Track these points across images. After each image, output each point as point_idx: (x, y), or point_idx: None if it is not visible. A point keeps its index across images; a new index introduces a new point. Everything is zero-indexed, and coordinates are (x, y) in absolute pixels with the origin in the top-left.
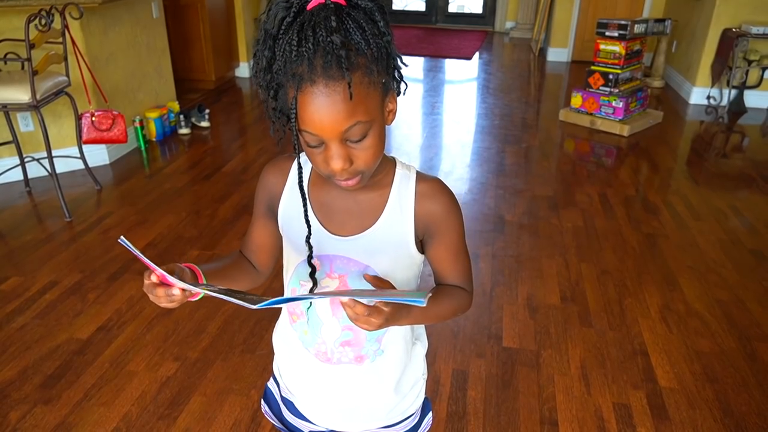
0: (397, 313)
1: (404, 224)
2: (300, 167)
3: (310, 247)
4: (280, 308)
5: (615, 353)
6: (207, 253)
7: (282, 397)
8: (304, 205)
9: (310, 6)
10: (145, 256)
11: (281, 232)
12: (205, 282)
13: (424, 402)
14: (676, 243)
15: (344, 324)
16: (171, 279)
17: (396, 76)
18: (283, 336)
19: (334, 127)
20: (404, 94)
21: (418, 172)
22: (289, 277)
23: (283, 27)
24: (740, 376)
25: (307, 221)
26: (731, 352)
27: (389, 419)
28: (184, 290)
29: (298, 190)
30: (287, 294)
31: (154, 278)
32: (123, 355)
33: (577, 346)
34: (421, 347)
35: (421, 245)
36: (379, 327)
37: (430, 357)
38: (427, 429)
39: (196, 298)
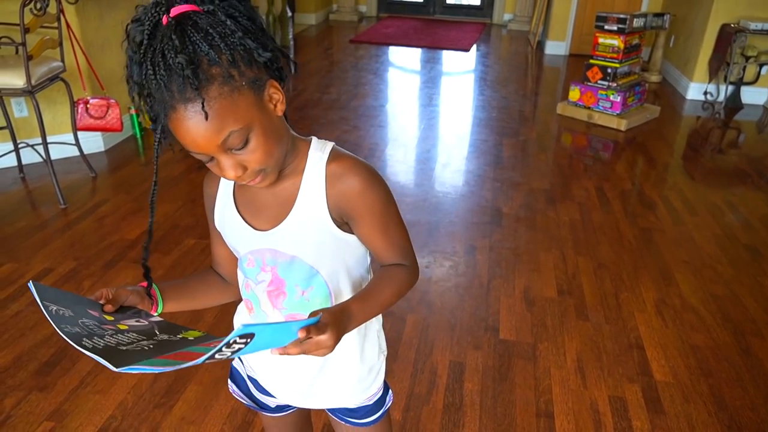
0: (339, 323)
1: (318, 209)
2: (157, 159)
3: (146, 249)
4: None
5: (611, 347)
6: (203, 242)
7: (248, 375)
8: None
9: (165, 21)
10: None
11: (221, 232)
12: (160, 303)
13: (384, 381)
14: (672, 238)
15: (286, 314)
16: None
17: (272, 63)
18: (242, 320)
19: (207, 144)
20: (295, 72)
21: (332, 151)
22: (240, 277)
23: (141, 52)
24: (735, 370)
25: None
26: (726, 346)
27: (353, 399)
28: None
29: (225, 193)
30: (242, 289)
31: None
32: None
33: (574, 339)
34: (375, 321)
35: (348, 226)
36: (334, 344)
37: (427, 348)
38: (390, 403)
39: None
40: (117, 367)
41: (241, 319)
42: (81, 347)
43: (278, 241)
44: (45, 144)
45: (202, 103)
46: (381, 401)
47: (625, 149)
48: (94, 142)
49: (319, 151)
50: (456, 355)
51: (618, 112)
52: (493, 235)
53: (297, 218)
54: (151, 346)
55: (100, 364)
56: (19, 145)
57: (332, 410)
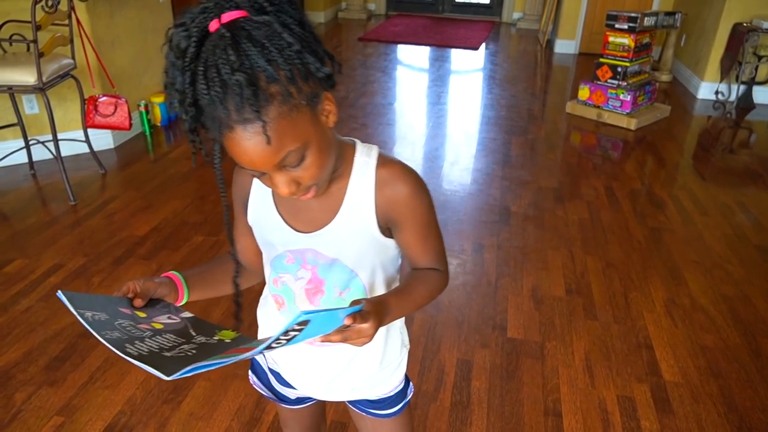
0: (379, 313)
1: (365, 215)
2: (221, 179)
3: (237, 286)
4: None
5: (620, 346)
6: (211, 238)
7: (269, 368)
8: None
9: (212, 27)
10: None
11: (253, 227)
12: (186, 293)
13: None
14: (682, 237)
15: None
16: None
17: (321, 76)
18: (269, 315)
19: (264, 163)
20: (339, 71)
21: (380, 156)
22: (269, 272)
23: (187, 61)
24: (745, 371)
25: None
26: (736, 347)
27: (374, 391)
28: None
29: (260, 189)
30: (269, 283)
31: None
32: None
33: (582, 338)
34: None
35: (389, 232)
36: (374, 333)
37: (434, 346)
38: (411, 395)
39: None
40: (168, 376)
41: (266, 313)
42: (126, 354)
43: (320, 243)
44: (55, 141)
45: (264, 127)
46: (402, 393)
47: (634, 148)
48: (103, 139)
49: (365, 156)
50: (463, 353)
51: (628, 111)
52: (501, 233)
53: (342, 223)
54: (194, 351)
55: (110, 364)
56: (30, 142)
57: (353, 402)
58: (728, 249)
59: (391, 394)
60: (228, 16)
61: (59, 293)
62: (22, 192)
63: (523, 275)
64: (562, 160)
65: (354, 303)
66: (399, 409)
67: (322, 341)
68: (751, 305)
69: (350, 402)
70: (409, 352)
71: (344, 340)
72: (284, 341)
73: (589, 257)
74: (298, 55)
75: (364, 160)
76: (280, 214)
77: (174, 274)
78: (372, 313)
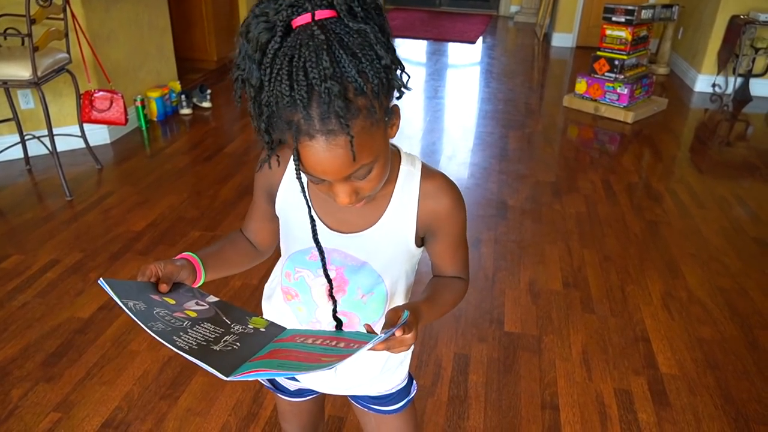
0: (418, 323)
1: (406, 223)
2: (299, 174)
3: (324, 262)
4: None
5: (617, 339)
6: (208, 234)
7: None
8: (312, 226)
9: (295, 23)
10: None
11: (279, 218)
12: (203, 274)
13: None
14: (679, 230)
15: (340, 309)
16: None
17: (403, 93)
18: (276, 306)
19: (336, 174)
20: (409, 79)
21: (423, 167)
22: (284, 262)
23: (269, 55)
24: (741, 363)
25: (318, 245)
26: (733, 339)
27: (376, 387)
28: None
29: (293, 182)
30: (280, 275)
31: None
32: (125, 334)
33: (579, 331)
34: None
35: (421, 241)
36: (413, 342)
37: (432, 341)
38: (415, 392)
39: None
40: (227, 376)
41: (272, 305)
42: (177, 348)
43: (353, 245)
44: (51, 136)
45: (351, 141)
46: (405, 390)
47: (631, 142)
48: (99, 134)
49: (410, 166)
50: (461, 347)
51: (625, 104)
52: (499, 227)
53: (383, 228)
54: (238, 345)
55: (106, 360)
56: (26, 137)
57: (355, 398)
58: (725, 242)
59: (394, 390)
60: (321, 14)
61: (101, 281)
62: (17, 187)
63: (521, 269)
64: (559, 154)
65: (393, 312)
66: (402, 405)
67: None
68: (747, 298)
69: (353, 398)
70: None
71: (388, 349)
72: (338, 359)
73: (586, 251)
74: (386, 71)
75: (409, 170)
76: (316, 211)
77: (191, 256)
78: (413, 323)
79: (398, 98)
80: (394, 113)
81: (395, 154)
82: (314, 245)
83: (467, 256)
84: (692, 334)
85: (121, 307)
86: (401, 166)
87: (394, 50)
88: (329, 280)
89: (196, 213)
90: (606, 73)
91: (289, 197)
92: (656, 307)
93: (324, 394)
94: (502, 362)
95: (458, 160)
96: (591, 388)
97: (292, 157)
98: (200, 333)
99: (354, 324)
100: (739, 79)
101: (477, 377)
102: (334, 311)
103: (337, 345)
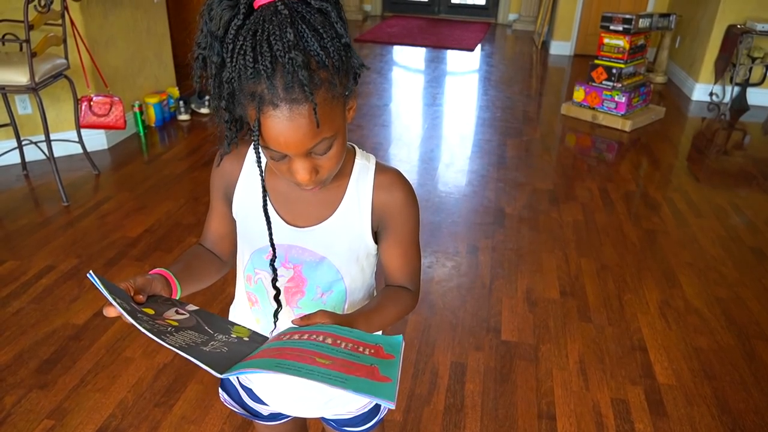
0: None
1: (361, 216)
2: (259, 158)
3: (274, 249)
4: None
5: (614, 348)
6: None
7: (241, 385)
8: (264, 202)
9: (257, 4)
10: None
11: (235, 219)
12: (179, 289)
13: None
14: (676, 239)
15: (298, 312)
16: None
17: (359, 72)
18: (241, 314)
19: (299, 146)
20: (367, 68)
21: (377, 163)
22: (245, 264)
23: (232, 31)
24: (738, 373)
25: (267, 218)
26: (730, 349)
27: (346, 407)
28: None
29: (255, 179)
30: (240, 279)
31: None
32: (119, 341)
33: (576, 340)
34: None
35: (376, 237)
36: None
37: (428, 349)
38: (386, 412)
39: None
40: (221, 373)
41: (238, 313)
42: (167, 343)
43: (311, 240)
44: (48, 141)
45: (314, 109)
46: (375, 410)
47: (629, 150)
48: (97, 140)
49: (364, 160)
50: (457, 355)
51: (623, 112)
52: (496, 235)
53: (338, 220)
54: (225, 349)
55: (101, 367)
56: (23, 142)
57: (326, 420)
58: (722, 251)
59: (365, 410)
60: None
61: (90, 274)
62: (14, 193)
63: (518, 277)
64: (557, 162)
65: (311, 317)
66: (371, 426)
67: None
68: (744, 307)
69: (324, 420)
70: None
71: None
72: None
73: (583, 259)
74: (345, 49)
75: (364, 163)
76: (272, 204)
77: (165, 271)
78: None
79: (355, 83)
80: (353, 95)
81: (350, 151)
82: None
83: (418, 265)
84: (689, 343)
85: (109, 301)
86: (356, 160)
87: (348, 34)
88: (274, 270)
89: (193, 219)
90: (604, 82)
91: (247, 195)
92: (653, 316)
93: (303, 420)
94: (499, 371)
95: (456, 167)
96: (588, 398)
97: (251, 147)
98: (185, 338)
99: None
100: (736, 88)
101: (473, 386)
102: (276, 312)
103: (324, 341)
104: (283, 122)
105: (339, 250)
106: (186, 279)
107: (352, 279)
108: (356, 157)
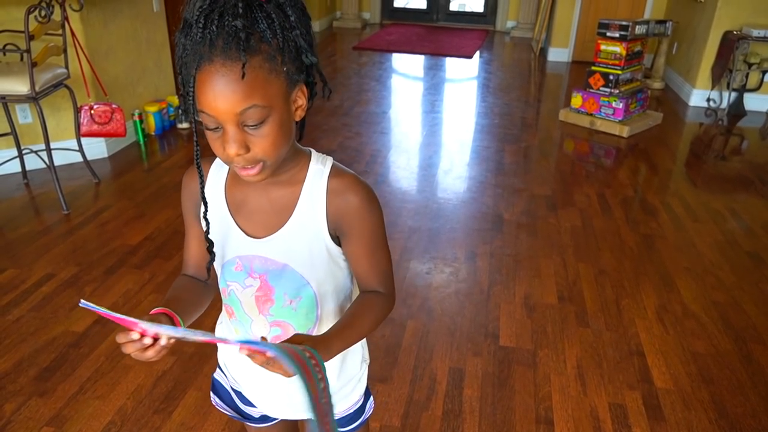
0: (322, 352)
1: (316, 222)
2: (200, 171)
3: (207, 223)
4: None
5: (611, 353)
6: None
7: (232, 388)
8: (205, 206)
9: None
10: (108, 313)
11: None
12: (182, 323)
13: (366, 387)
14: (674, 244)
15: (271, 320)
16: (153, 327)
17: (310, 74)
18: (224, 331)
19: (228, 107)
20: (326, 97)
21: (333, 166)
22: (220, 278)
23: (197, 13)
24: (736, 377)
25: (204, 200)
26: (727, 353)
27: (336, 408)
28: (168, 338)
29: (213, 192)
30: (223, 293)
31: (135, 335)
32: (119, 348)
33: (574, 345)
34: None
35: (339, 240)
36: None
37: (426, 355)
38: (371, 412)
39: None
40: (239, 341)
41: (224, 327)
42: (175, 332)
43: (271, 249)
44: (48, 150)
45: (243, 64)
46: (360, 410)
47: (627, 156)
48: (97, 148)
49: (320, 164)
50: (455, 361)
51: (620, 118)
52: (494, 241)
53: (294, 228)
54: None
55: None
56: (23, 151)
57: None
58: (720, 255)
59: (350, 411)
60: None
61: (82, 302)
62: (14, 201)
63: (516, 283)
64: (555, 168)
65: (294, 339)
66: (356, 426)
67: (248, 354)
68: (742, 311)
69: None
70: (401, 361)
71: (264, 365)
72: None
73: (581, 265)
74: (295, 37)
75: (319, 168)
76: (233, 218)
77: (165, 309)
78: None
79: (311, 90)
80: (299, 89)
81: (305, 154)
82: (238, 255)
83: (388, 265)
84: (687, 348)
85: (107, 314)
86: (311, 165)
87: (310, 36)
88: (210, 242)
89: None
90: (601, 88)
91: (212, 210)
92: (651, 321)
93: (294, 423)
94: (497, 376)
95: (455, 173)
96: (585, 403)
97: (212, 164)
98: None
99: (289, 333)
100: (734, 94)
101: (471, 391)
102: (207, 233)
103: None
104: (215, 77)
105: (299, 257)
106: (181, 312)
107: (319, 283)
108: (311, 161)
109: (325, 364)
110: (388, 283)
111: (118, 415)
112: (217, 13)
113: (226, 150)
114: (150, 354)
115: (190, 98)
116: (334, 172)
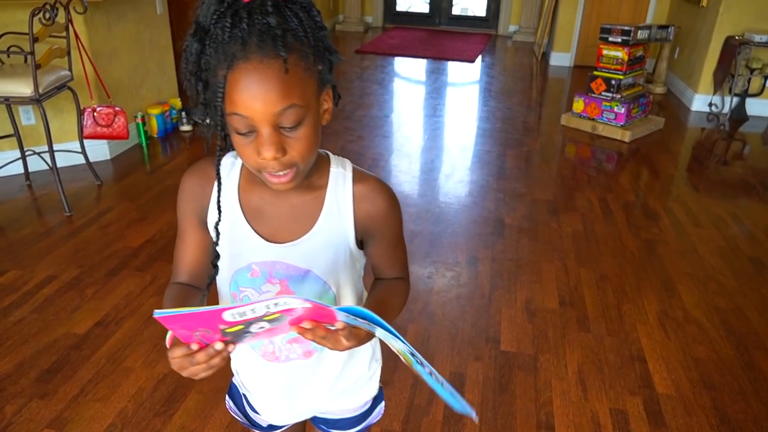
0: (368, 336)
1: (344, 227)
2: (219, 175)
3: (218, 234)
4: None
5: (612, 359)
6: None
7: (242, 394)
8: (219, 215)
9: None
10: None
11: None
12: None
13: (378, 390)
14: (676, 249)
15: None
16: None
17: (334, 61)
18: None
19: (267, 108)
20: (336, 105)
21: (354, 170)
22: (229, 282)
23: (215, 17)
24: (737, 383)
25: (219, 209)
26: (729, 359)
27: (342, 405)
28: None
29: (225, 198)
30: (223, 300)
31: (194, 346)
32: (120, 351)
33: (575, 350)
34: None
35: (361, 243)
36: (350, 346)
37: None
38: (378, 418)
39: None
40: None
41: None
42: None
43: (294, 255)
44: (51, 152)
45: (285, 60)
46: (366, 414)
47: (628, 161)
48: (100, 150)
49: (341, 168)
50: (456, 366)
51: (622, 123)
52: (496, 245)
53: (319, 234)
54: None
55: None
56: (26, 153)
57: (315, 420)
58: (721, 261)
59: (356, 413)
60: None
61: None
62: (17, 203)
63: (517, 288)
64: (556, 173)
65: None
66: (361, 429)
67: (300, 331)
68: (743, 317)
69: (315, 423)
70: (401, 365)
71: (319, 339)
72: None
73: (582, 269)
74: (322, 37)
75: (341, 172)
76: (249, 224)
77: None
78: (358, 335)
79: (330, 73)
80: (327, 92)
81: (324, 157)
82: (254, 261)
83: (405, 254)
84: (688, 353)
85: (190, 313)
86: (331, 169)
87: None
88: (216, 254)
89: None
90: (603, 93)
91: (223, 215)
92: (652, 326)
93: (302, 423)
94: (498, 381)
95: (456, 178)
96: (586, 408)
97: (216, 119)
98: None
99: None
100: (735, 99)
101: (472, 396)
102: (215, 244)
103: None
104: (253, 75)
105: (323, 262)
106: None
107: (339, 287)
108: (331, 165)
109: (330, 358)
110: (406, 270)
111: (119, 418)
112: (245, 13)
113: (261, 154)
114: (216, 361)
115: (220, 101)
116: (358, 177)
